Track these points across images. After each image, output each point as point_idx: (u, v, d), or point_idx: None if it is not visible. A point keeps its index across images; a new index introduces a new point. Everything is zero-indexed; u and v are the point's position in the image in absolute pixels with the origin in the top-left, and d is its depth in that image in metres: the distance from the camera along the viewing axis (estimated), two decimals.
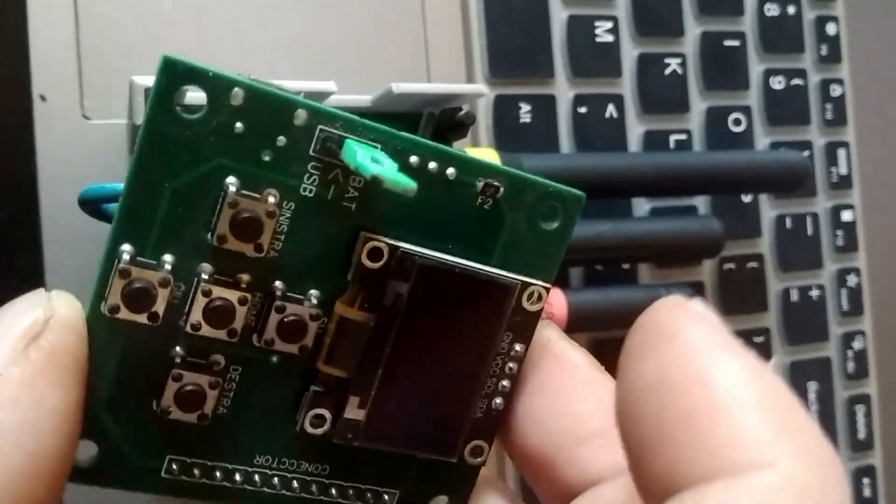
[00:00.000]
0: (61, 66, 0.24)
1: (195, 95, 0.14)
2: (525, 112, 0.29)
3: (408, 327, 0.16)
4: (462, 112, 0.22)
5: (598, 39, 0.31)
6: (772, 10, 0.33)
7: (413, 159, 0.16)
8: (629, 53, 0.31)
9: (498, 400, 0.17)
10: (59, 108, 0.24)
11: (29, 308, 0.14)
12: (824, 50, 0.35)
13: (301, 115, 0.15)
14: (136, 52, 0.25)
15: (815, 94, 0.34)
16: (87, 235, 0.24)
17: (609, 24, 0.31)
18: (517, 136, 0.29)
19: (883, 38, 0.36)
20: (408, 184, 0.14)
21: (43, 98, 0.24)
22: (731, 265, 0.32)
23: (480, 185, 0.16)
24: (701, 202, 0.32)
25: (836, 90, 0.35)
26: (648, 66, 0.31)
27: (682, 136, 0.32)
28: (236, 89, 0.14)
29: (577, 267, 0.29)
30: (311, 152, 0.15)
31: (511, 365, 0.17)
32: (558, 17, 0.30)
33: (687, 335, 0.12)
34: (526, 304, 0.17)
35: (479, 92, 0.23)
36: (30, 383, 0.13)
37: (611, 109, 0.31)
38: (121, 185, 0.21)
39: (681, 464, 0.11)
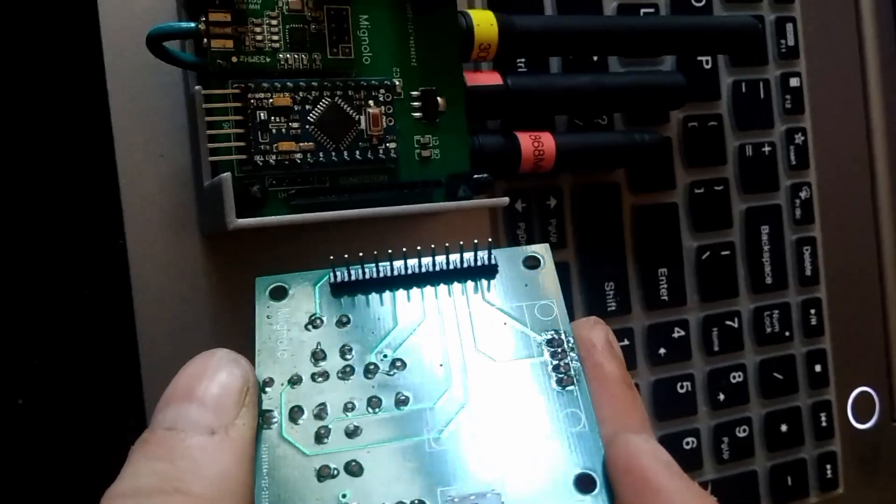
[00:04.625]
0: None
1: None
2: None
3: None
4: None
5: None
6: None
7: None
8: None
9: None
10: None
11: (234, 368, 0.19)
12: None
13: None
14: None
15: None
16: (148, 85, 0.28)
17: None
18: (507, 4, 0.33)
19: None
20: None
21: None
22: (695, 123, 0.37)
23: None
24: (668, 68, 0.36)
25: None
26: None
27: (650, 10, 0.36)
28: None
29: (561, 115, 0.34)
30: None
31: None
32: None
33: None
34: None
35: None
36: (249, 430, 0.18)
37: None
38: (184, 24, 0.25)
39: None
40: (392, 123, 0.27)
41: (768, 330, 0.38)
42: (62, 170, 0.29)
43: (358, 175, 0.27)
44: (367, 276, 0.22)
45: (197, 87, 0.26)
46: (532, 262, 0.23)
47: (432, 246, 0.22)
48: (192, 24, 0.25)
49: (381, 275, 0.22)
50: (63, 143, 0.29)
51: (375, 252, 0.22)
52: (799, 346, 0.39)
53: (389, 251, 0.22)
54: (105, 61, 0.28)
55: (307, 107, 0.26)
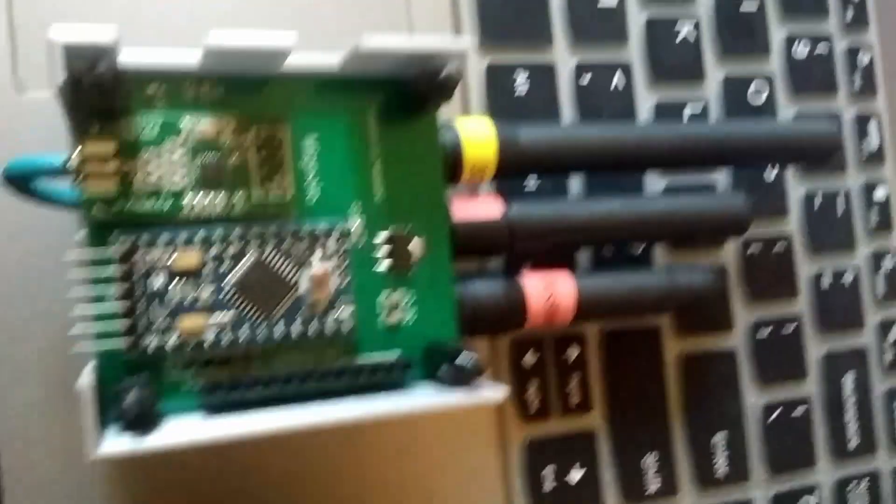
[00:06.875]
0: None
1: None
2: (521, 82, 0.27)
3: None
4: (445, 71, 0.19)
5: (601, 3, 0.28)
6: None
7: None
8: (636, 17, 0.28)
9: None
10: None
11: None
12: (850, 13, 0.32)
13: None
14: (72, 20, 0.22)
15: (842, 62, 0.31)
16: (17, 222, 0.21)
17: None
18: (513, 110, 0.26)
19: None
20: None
21: None
22: (757, 247, 0.29)
23: None
24: (721, 179, 0.29)
25: (864, 57, 0.32)
26: (658, 31, 0.28)
27: (698, 109, 0.29)
28: None
29: (585, 248, 0.26)
30: None
31: None
32: None
33: None
34: None
35: (463, 49, 0.20)
36: None
37: (617, 79, 0.28)
38: (48, 159, 0.19)
39: None
40: (344, 283, 0.20)
41: None
42: None
43: (298, 353, 0.20)
44: None
45: (79, 235, 0.19)
46: None
47: None
48: (59, 161, 0.18)
49: None
50: None
51: None
52: None
53: None
54: None
55: (224, 266, 0.19)
